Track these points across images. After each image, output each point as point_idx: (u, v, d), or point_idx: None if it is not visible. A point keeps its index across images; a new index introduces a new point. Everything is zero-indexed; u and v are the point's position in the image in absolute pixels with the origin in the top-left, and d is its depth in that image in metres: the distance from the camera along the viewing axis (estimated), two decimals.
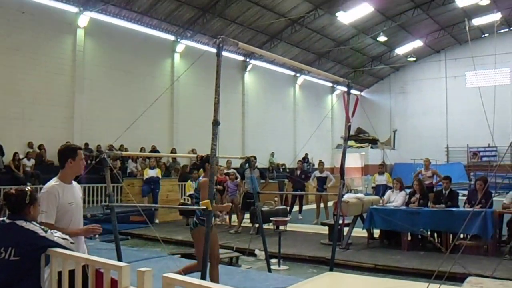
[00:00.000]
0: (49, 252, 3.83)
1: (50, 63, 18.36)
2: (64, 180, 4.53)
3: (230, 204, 10.34)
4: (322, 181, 15.08)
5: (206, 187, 5.68)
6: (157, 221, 15.15)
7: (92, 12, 19.53)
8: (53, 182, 4.47)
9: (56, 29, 18.68)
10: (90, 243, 10.53)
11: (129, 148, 19.17)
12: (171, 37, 23.64)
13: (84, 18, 19.31)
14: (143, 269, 3.07)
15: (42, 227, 3.89)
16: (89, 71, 19.63)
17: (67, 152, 4.63)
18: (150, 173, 15.95)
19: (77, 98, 19.06)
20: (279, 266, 9.07)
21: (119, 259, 6.81)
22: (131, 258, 7.71)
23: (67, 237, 3.92)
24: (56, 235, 3.86)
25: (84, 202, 15.56)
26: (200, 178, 6.36)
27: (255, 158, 14.23)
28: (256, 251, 10.02)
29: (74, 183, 4.75)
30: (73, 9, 19.20)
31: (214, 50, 5.27)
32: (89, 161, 17.76)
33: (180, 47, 23.78)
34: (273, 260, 9.04)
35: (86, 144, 18.90)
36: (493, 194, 9.69)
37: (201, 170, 6.71)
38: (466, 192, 13.16)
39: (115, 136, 8.58)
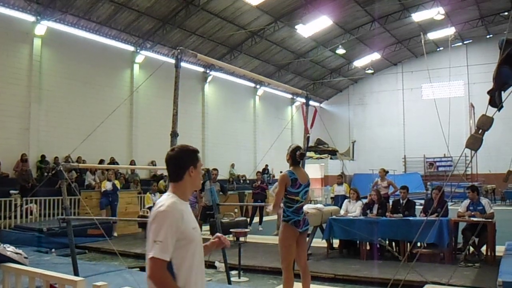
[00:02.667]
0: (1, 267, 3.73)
1: (5, 72, 17.88)
2: (183, 197, 3.03)
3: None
4: None
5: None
6: (115, 234, 14.87)
7: (49, 22, 19.17)
8: (171, 198, 2.97)
9: (12, 38, 18.25)
10: (46, 257, 10.30)
11: (87, 160, 18.85)
12: (131, 48, 23.43)
13: (42, 27, 18.92)
14: (98, 283, 3.02)
15: None
16: (46, 81, 19.22)
17: (188, 156, 3.10)
18: (107, 185, 15.64)
19: (33, 108, 18.59)
20: (239, 278, 9.03)
21: (76, 273, 6.65)
22: (88, 272, 7.54)
23: (20, 251, 3.81)
24: (9, 250, 3.75)
25: (40, 216, 15.29)
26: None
27: (217, 170, 14.23)
28: (216, 263, 9.96)
29: None
30: (30, 18, 18.78)
31: (173, 61, 5.25)
32: (45, 173, 17.57)
33: (139, 58, 23.59)
34: (233, 272, 9.01)
35: (43, 156, 18.51)
36: (447, 203, 9.89)
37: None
38: (423, 202, 13.41)
39: (73, 147, 8.42)
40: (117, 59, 22.72)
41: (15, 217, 14.78)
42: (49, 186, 16.12)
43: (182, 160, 3.04)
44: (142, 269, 9.23)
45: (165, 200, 2.91)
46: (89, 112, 19.89)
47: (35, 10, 18.69)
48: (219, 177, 23.89)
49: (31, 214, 15.09)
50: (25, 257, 3.84)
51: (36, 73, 18.85)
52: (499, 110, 5.08)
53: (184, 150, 3.09)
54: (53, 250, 11.79)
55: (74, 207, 15.49)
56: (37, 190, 13.63)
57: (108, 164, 19.86)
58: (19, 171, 16.98)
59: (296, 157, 6.10)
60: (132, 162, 21.83)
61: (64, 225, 7.46)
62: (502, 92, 5.17)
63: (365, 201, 11.41)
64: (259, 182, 16.78)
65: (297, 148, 6.14)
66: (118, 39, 22.57)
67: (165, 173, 16.02)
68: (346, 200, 11.88)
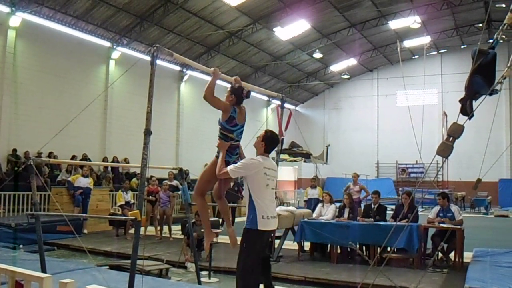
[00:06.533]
0: None
1: None
2: None
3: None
4: None
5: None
6: (85, 231, 14.71)
7: (25, 13, 18.84)
8: None
9: None
10: (13, 253, 10.13)
11: (59, 155, 18.57)
12: (107, 44, 23.19)
13: (16, 19, 18.56)
14: (65, 280, 2.98)
15: None
16: (19, 74, 18.88)
17: None
18: (81, 181, 15.37)
19: (5, 101, 18.23)
20: (209, 278, 9.01)
21: (43, 270, 6.55)
22: (56, 269, 7.44)
23: None
24: None
25: (8, 211, 14.98)
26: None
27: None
28: (187, 263, 9.94)
29: None
30: (4, 8, 18.42)
31: (149, 59, 5.21)
32: (15, 168, 17.27)
33: (115, 54, 23.36)
34: (204, 273, 8.98)
35: (14, 150, 18.19)
36: (417, 209, 10.03)
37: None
38: (394, 207, 13.57)
39: (45, 142, 8.28)
40: (93, 54, 22.46)
41: None
42: (20, 181, 15.86)
43: None
44: (112, 267, 9.15)
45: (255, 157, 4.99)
46: (62, 107, 19.63)
47: (10, 1, 18.34)
48: (192, 177, 23.89)
49: None
50: None
51: (9, 65, 18.50)
52: (469, 118, 5.15)
53: None
54: (21, 246, 11.60)
55: (44, 203, 15.23)
56: (6, 184, 13.38)
57: (80, 160, 19.61)
58: None
59: (242, 95, 5.59)
60: (105, 159, 21.59)
61: (32, 221, 7.33)
62: (474, 101, 5.24)
63: (338, 204, 11.48)
64: (232, 184, 16.74)
65: (243, 88, 5.71)
66: (94, 34, 22.31)
67: (138, 171, 15.86)
68: (319, 204, 11.94)
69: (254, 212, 5.01)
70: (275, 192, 5.49)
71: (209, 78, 5.54)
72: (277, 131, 6.76)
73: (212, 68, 5.55)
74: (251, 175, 5.08)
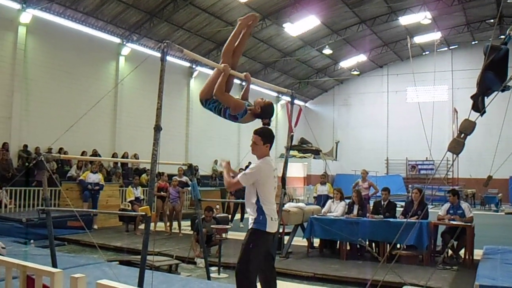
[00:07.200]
0: None
1: None
2: None
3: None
4: None
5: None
6: (95, 226, 14.77)
7: (35, 10, 18.95)
8: None
9: None
10: (24, 248, 10.20)
11: (69, 151, 18.66)
12: (117, 40, 23.26)
13: (27, 16, 18.69)
14: (76, 275, 2.99)
15: None
16: (30, 70, 19.02)
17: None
18: (91, 177, 15.43)
19: (15, 97, 18.38)
20: (219, 274, 9.02)
21: (54, 265, 6.59)
22: (67, 264, 7.48)
23: None
24: None
25: (19, 206, 15.08)
26: None
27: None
28: (196, 259, 9.96)
29: None
30: (15, 5, 18.54)
31: (159, 55, 5.21)
32: (26, 164, 17.39)
33: (125, 50, 23.43)
34: (213, 268, 8.99)
35: (25, 146, 18.33)
36: (428, 206, 9.98)
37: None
38: (404, 204, 13.52)
39: (55, 138, 8.32)
40: (103, 50, 22.54)
41: None
42: (31, 176, 15.95)
43: None
44: (122, 262, 9.19)
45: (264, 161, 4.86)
46: (72, 103, 19.73)
47: None
48: (202, 173, 23.87)
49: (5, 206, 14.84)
50: (2, 247, 3.78)
51: (20, 61, 18.63)
52: (481, 115, 5.12)
53: None
54: (31, 241, 11.66)
55: (54, 198, 15.30)
56: (17, 180, 13.47)
57: (90, 156, 19.70)
58: None
59: (264, 116, 5.53)
60: (115, 155, 21.68)
61: (43, 216, 7.37)
62: (485, 97, 5.21)
63: (348, 201, 11.46)
64: None
65: (271, 115, 5.61)
66: (104, 30, 22.39)
67: (148, 166, 15.90)
68: (329, 200, 11.93)
69: (263, 214, 4.89)
70: (285, 189, 5.52)
71: None
72: (286, 128, 6.72)
73: (222, 65, 5.53)
74: (263, 179, 4.94)
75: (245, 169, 5.24)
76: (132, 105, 23.50)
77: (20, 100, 18.59)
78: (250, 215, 4.96)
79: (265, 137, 5.09)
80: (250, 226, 4.96)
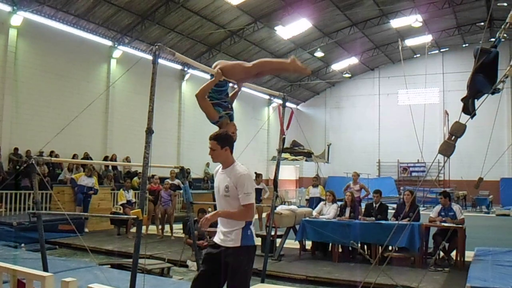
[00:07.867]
0: None
1: None
2: None
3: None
4: (257, 193, 15.11)
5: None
6: (87, 230, 14.70)
7: (26, 12, 18.81)
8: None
9: None
10: (15, 252, 10.13)
11: (61, 154, 18.58)
12: (108, 43, 23.17)
13: (18, 18, 18.55)
14: (67, 279, 2.98)
15: None
16: (20, 72, 18.87)
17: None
18: (84, 180, 15.31)
19: (6, 100, 18.24)
20: None
21: (45, 269, 6.55)
22: (58, 268, 7.44)
23: None
24: None
25: (10, 210, 14.99)
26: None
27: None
28: (188, 262, 9.94)
29: None
30: (6, 7, 18.40)
31: (151, 58, 5.21)
32: (17, 167, 17.28)
33: (117, 53, 23.35)
34: None
35: (16, 149, 18.20)
36: (419, 208, 10.02)
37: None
38: (395, 206, 13.56)
39: (47, 141, 8.27)
40: (94, 53, 22.45)
41: None
42: (22, 179, 15.85)
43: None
44: (113, 266, 9.15)
45: (243, 167, 4.48)
46: (64, 106, 19.63)
47: (11, 0, 18.35)
48: (194, 176, 23.81)
49: None
50: None
51: (11, 64, 18.50)
52: (472, 117, 5.15)
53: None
54: (22, 244, 11.60)
55: (45, 201, 15.22)
56: (8, 183, 13.38)
57: (82, 159, 19.61)
58: None
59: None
60: (106, 158, 21.59)
61: (34, 220, 7.33)
62: (476, 100, 5.24)
63: (340, 203, 11.48)
64: None
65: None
66: (95, 33, 22.29)
67: (139, 170, 15.82)
68: (321, 202, 11.94)
69: (249, 227, 4.39)
70: (277, 192, 5.51)
71: (210, 77, 5.54)
72: (278, 130, 6.72)
73: (216, 68, 5.51)
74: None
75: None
76: (124, 108, 23.41)
77: (11, 102, 18.47)
78: (232, 231, 4.39)
79: (221, 140, 4.61)
80: (234, 244, 4.33)
